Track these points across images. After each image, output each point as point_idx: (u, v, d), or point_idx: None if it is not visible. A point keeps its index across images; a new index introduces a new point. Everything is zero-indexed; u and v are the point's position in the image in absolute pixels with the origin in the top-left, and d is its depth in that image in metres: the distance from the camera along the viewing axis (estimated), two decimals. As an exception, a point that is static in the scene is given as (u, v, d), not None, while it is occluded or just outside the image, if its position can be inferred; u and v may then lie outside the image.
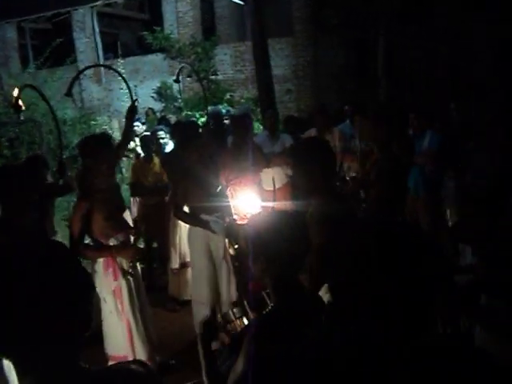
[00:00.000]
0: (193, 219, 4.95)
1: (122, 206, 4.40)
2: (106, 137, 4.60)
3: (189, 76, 14.99)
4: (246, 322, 2.63)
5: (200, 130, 6.53)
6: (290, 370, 1.92)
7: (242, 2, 12.22)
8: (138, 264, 4.42)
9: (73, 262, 1.45)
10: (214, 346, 3.25)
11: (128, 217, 5.62)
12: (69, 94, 6.26)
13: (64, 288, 1.37)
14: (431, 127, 6.49)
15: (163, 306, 6.14)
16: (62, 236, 5.55)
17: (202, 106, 12.09)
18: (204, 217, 4.91)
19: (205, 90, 7.78)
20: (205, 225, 4.81)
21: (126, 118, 5.47)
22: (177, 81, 8.17)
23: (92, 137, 4.57)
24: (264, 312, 2.22)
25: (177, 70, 12.76)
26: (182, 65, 9.51)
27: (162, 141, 6.98)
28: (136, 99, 5.59)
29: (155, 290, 6.53)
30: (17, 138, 12.12)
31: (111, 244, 4.13)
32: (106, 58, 17.86)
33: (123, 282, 4.13)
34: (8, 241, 2.90)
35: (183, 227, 5.74)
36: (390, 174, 4.03)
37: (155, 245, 7.19)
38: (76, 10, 17.43)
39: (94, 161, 4.13)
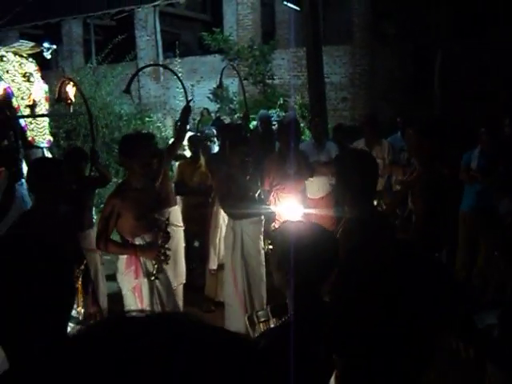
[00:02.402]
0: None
1: (157, 206, 4.44)
2: (144, 136, 4.66)
3: (245, 79, 15.07)
4: (271, 325, 2.63)
5: (248, 135, 6.57)
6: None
7: (298, 8, 12.14)
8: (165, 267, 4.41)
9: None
10: None
11: (178, 212, 5.70)
12: (127, 91, 6.35)
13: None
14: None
15: (199, 306, 6.18)
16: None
17: (256, 109, 12.13)
18: (240, 222, 4.98)
19: (245, 92, 7.79)
20: None
21: (181, 117, 5.56)
22: (220, 86, 8.15)
23: (130, 135, 4.64)
24: (281, 321, 2.21)
25: (234, 72, 12.88)
26: (226, 65, 9.46)
27: (209, 143, 7.04)
28: (191, 99, 5.66)
29: (193, 289, 6.58)
30: (74, 129, 12.47)
31: (137, 243, 4.16)
32: (165, 57, 18.15)
33: (144, 281, 4.15)
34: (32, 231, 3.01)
35: (224, 229, 5.78)
36: (433, 189, 3.95)
37: (196, 244, 7.24)
38: (139, 8, 17.79)
39: (130, 159, 4.18)
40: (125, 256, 4.18)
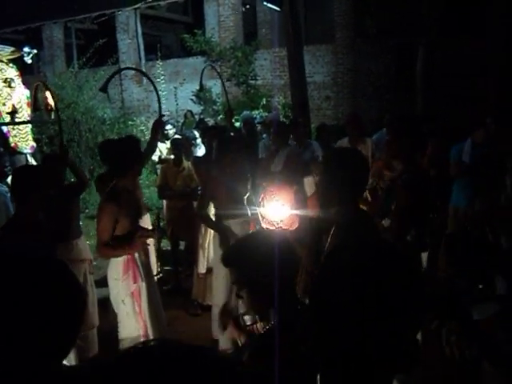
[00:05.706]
0: (213, 223, 5.07)
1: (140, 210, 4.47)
2: (134, 141, 4.64)
3: (228, 80, 15.01)
4: (256, 329, 2.61)
5: (232, 134, 6.56)
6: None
7: (278, 9, 12.10)
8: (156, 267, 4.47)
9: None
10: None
11: (148, 221, 5.72)
12: (104, 90, 6.22)
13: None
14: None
15: (185, 309, 6.15)
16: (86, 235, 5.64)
17: (239, 110, 12.12)
18: (227, 222, 4.96)
19: (227, 94, 7.81)
20: (222, 231, 4.88)
21: (152, 129, 5.52)
22: (200, 88, 8.18)
23: (121, 152, 4.58)
24: (264, 329, 2.19)
25: (216, 74, 12.80)
26: (205, 66, 9.49)
27: (192, 146, 7.05)
28: (163, 115, 5.65)
29: (180, 292, 6.56)
30: (57, 135, 12.36)
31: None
32: (148, 60, 18.06)
33: (143, 285, 4.19)
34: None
35: (213, 232, 5.75)
36: (413, 188, 3.94)
37: (182, 247, 7.23)
38: (120, 11, 17.68)
39: (125, 173, 4.20)
40: (121, 262, 4.15)
